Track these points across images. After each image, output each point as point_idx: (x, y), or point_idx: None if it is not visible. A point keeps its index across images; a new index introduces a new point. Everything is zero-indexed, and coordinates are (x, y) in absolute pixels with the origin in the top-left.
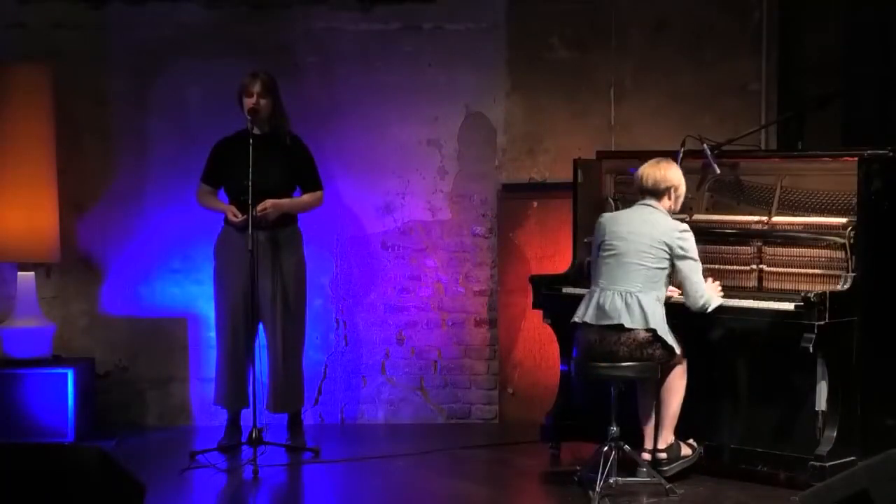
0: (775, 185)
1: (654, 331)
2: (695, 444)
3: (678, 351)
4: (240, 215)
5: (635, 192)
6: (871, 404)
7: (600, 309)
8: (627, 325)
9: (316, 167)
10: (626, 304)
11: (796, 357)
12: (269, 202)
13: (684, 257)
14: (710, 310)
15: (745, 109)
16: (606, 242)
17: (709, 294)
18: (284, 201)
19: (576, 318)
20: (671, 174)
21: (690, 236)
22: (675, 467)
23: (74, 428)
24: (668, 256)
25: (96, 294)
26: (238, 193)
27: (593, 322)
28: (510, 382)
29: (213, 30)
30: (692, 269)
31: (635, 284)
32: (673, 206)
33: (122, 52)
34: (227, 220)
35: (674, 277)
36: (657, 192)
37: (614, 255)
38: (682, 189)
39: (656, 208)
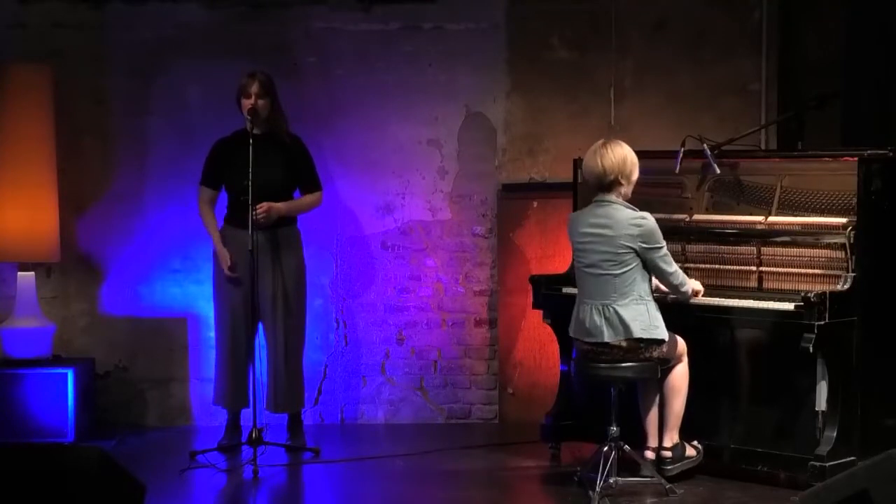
0: (775, 185)
1: (637, 339)
2: (699, 445)
3: (665, 336)
4: (229, 265)
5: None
6: (871, 404)
7: (581, 324)
8: (610, 340)
9: (315, 167)
10: (606, 319)
11: (796, 357)
12: (266, 205)
13: (648, 249)
14: (684, 289)
15: (745, 109)
16: (575, 250)
17: (684, 276)
18: (282, 205)
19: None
20: (608, 162)
21: (650, 226)
22: (678, 467)
23: (74, 428)
24: (634, 255)
25: (96, 294)
26: (238, 193)
27: (577, 337)
28: (510, 382)
29: (213, 30)
30: (656, 257)
31: (610, 296)
32: (628, 189)
33: (122, 52)
34: (226, 220)
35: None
36: (605, 186)
37: (584, 266)
38: (629, 166)
39: (611, 203)
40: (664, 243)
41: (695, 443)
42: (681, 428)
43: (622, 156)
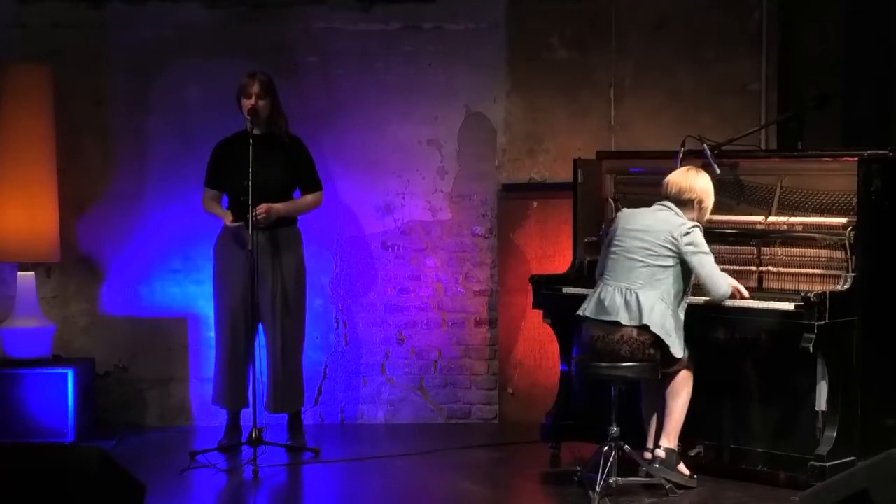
0: (775, 185)
1: (647, 327)
2: (694, 476)
3: (678, 354)
4: (231, 218)
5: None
6: (871, 404)
7: (600, 304)
8: (624, 321)
9: (315, 167)
10: (626, 301)
11: (796, 357)
12: (265, 206)
13: (694, 252)
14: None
15: (745, 109)
16: (616, 238)
17: (728, 284)
18: (281, 206)
19: (579, 311)
20: (700, 184)
21: (698, 232)
22: (666, 474)
23: (74, 428)
24: (673, 254)
25: (96, 294)
26: (238, 194)
27: (593, 316)
28: (510, 382)
29: (213, 30)
30: (702, 263)
31: (636, 282)
32: (697, 217)
33: (122, 52)
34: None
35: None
36: (680, 202)
37: (620, 250)
38: (710, 201)
39: (671, 209)
40: (711, 255)
41: (693, 475)
42: (681, 437)
43: (710, 186)
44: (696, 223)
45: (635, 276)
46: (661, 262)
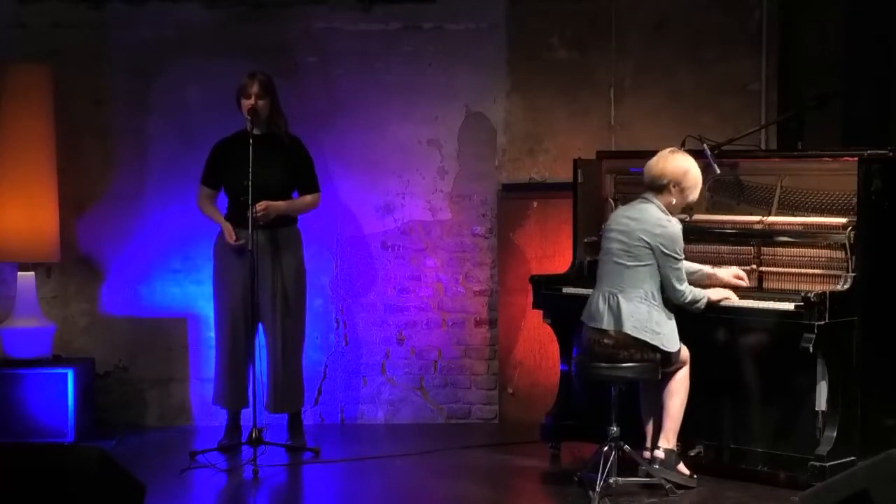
0: (775, 185)
1: (626, 334)
2: (694, 476)
3: (672, 348)
4: (234, 237)
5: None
6: (871, 404)
7: (588, 309)
8: (608, 328)
9: (314, 169)
10: (609, 306)
11: (796, 357)
12: (264, 203)
13: (664, 254)
14: (697, 305)
15: (745, 109)
16: (603, 239)
17: (692, 290)
18: (281, 203)
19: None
20: (671, 167)
21: (673, 232)
22: (665, 474)
23: (74, 428)
24: (649, 251)
25: (96, 294)
26: (238, 194)
27: (586, 321)
28: (510, 382)
29: (213, 30)
30: (669, 267)
31: (618, 285)
32: (679, 201)
33: (122, 52)
34: (226, 220)
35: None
36: (655, 187)
37: (604, 253)
38: (689, 181)
39: (651, 202)
40: (682, 257)
41: (693, 475)
42: (680, 437)
43: (685, 167)
44: (672, 219)
45: (619, 280)
46: (641, 261)
